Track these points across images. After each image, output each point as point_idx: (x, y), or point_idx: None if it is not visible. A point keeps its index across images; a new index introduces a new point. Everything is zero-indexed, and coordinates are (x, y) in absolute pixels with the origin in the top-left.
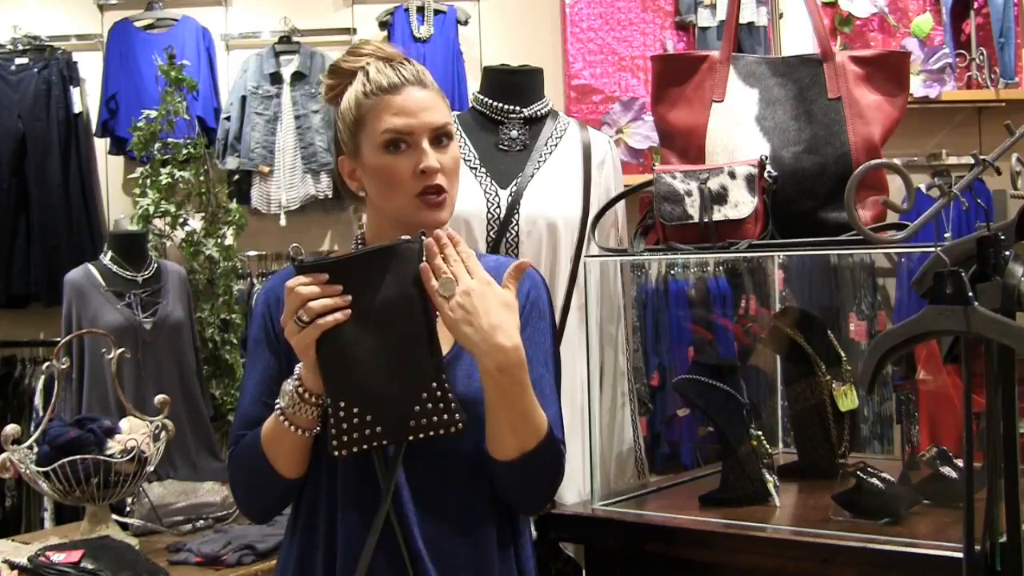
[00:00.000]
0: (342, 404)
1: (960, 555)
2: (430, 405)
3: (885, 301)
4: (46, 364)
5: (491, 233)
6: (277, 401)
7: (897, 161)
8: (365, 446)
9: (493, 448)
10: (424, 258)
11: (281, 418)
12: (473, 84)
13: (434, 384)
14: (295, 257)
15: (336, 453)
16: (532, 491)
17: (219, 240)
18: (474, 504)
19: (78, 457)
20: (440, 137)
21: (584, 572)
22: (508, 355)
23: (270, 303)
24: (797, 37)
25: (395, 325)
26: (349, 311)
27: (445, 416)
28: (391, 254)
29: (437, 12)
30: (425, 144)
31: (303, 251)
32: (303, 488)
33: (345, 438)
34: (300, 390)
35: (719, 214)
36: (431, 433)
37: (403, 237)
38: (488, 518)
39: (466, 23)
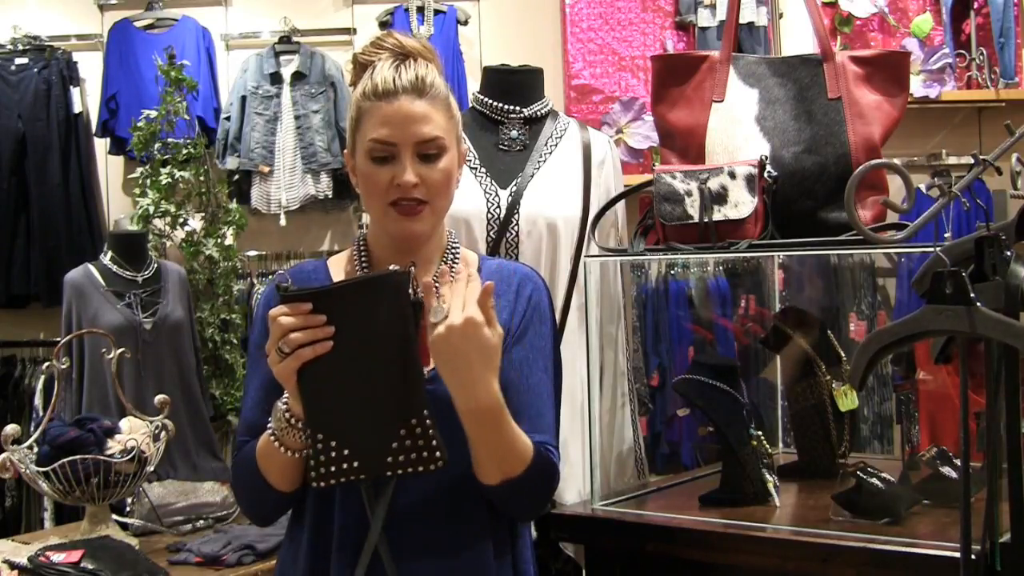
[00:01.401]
0: (320, 436)
1: (959, 555)
2: (409, 442)
3: (885, 301)
4: (46, 364)
5: (491, 233)
6: (269, 420)
7: (897, 161)
8: (343, 479)
9: (478, 473)
10: (413, 288)
11: (272, 438)
12: (473, 84)
13: (414, 420)
14: (280, 285)
15: (315, 484)
16: (522, 506)
17: (219, 240)
18: (468, 509)
19: (78, 457)
20: (428, 149)
21: (584, 572)
22: (480, 404)
23: (269, 308)
24: (797, 37)
25: (377, 358)
26: (330, 344)
27: (425, 454)
28: (377, 285)
29: (437, 12)
30: (407, 158)
31: (288, 278)
32: (303, 493)
33: (323, 470)
34: (287, 415)
35: (719, 214)
36: (409, 470)
37: (391, 267)
38: (483, 521)
39: (466, 23)
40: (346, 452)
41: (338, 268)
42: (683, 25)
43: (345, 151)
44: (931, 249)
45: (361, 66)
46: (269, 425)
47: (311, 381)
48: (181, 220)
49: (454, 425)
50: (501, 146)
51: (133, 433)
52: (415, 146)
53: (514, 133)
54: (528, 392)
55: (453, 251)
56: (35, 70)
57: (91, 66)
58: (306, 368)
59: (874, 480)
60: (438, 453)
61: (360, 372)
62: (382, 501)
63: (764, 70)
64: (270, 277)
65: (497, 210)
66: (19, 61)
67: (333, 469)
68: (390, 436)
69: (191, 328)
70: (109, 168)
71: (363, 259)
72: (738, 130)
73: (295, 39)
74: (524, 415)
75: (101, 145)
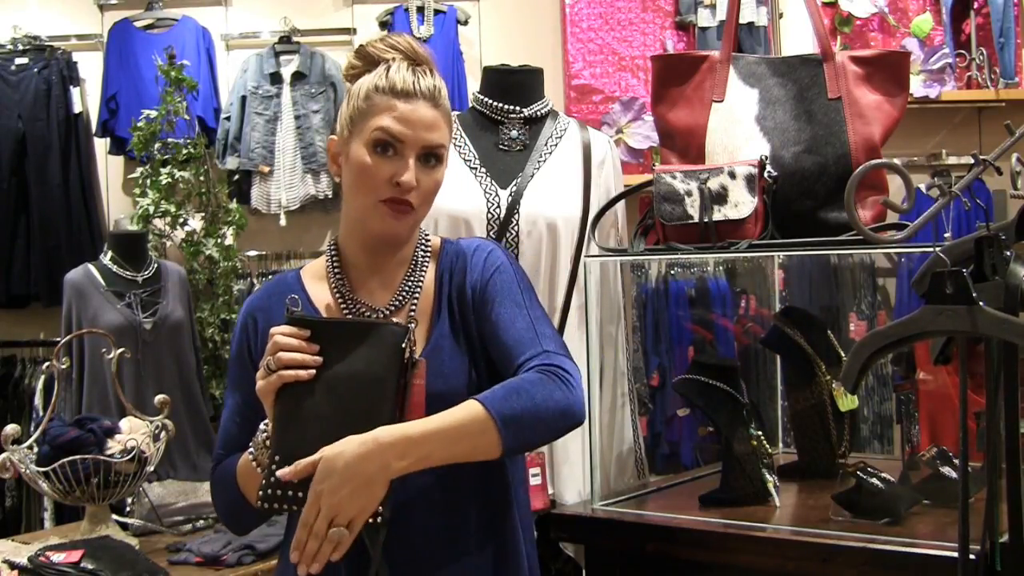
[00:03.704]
0: (277, 458)
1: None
2: None
3: (885, 301)
4: (46, 364)
5: (491, 233)
6: (252, 440)
7: (897, 161)
8: (284, 506)
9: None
10: (408, 345)
11: (250, 457)
12: (473, 84)
13: None
14: (289, 308)
15: (258, 504)
16: (541, 428)
17: (219, 240)
18: (465, 505)
19: (78, 457)
20: (429, 156)
21: (584, 572)
22: (385, 455)
23: (247, 320)
24: (797, 37)
25: (353, 400)
26: (313, 372)
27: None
28: (374, 332)
29: (437, 12)
30: (411, 158)
31: (299, 302)
32: None
33: (270, 492)
34: (263, 435)
35: (719, 214)
36: None
37: (394, 320)
38: (479, 526)
39: (466, 23)
40: (294, 480)
41: (313, 278)
42: (683, 25)
43: (332, 137)
44: (931, 249)
45: (370, 60)
46: (251, 446)
47: (286, 404)
48: (181, 220)
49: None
50: (501, 146)
51: (133, 433)
52: (421, 148)
53: (514, 133)
54: (508, 333)
55: (424, 244)
56: (35, 70)
57: (91, 66)
58: (286, 390)
59: (874, 480)
60: (380, 508)
61: (333, 409)
62: (378, 546)
63: (764, 70)
64: (269, 277)
65: (497, 210)
66: (19, 61)
67: (279, 493)
68: None
69: (191, 328)
70: (109, 168)
71: (335, 264)
72: (738, 130)
73: (295, 39)
74: (517, 348)
75: (101, 145)
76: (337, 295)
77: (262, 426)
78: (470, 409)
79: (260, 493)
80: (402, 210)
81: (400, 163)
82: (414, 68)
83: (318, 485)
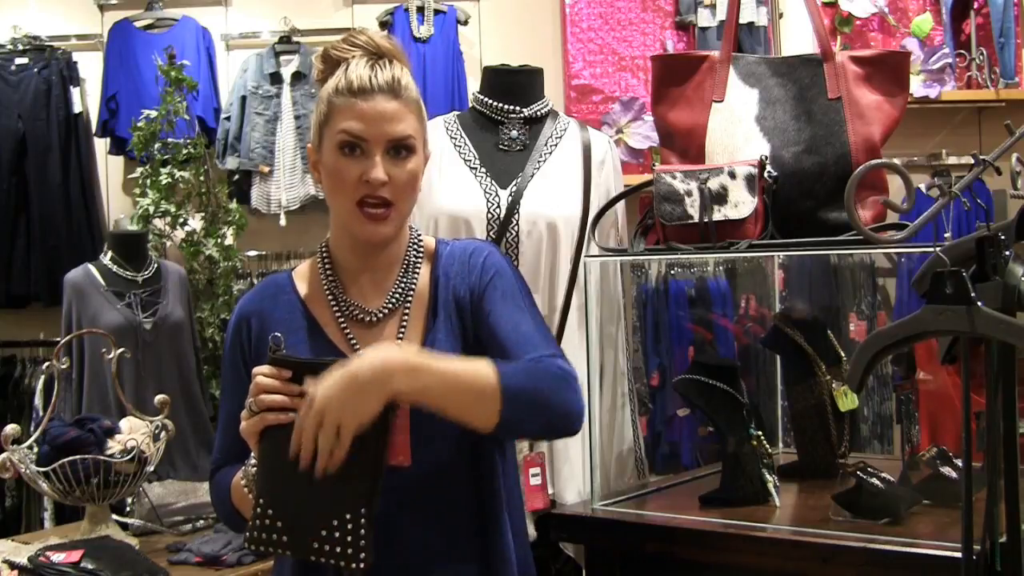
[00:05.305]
0: (261, 501)
1: (960, 555)
2: (338, 534)
3: (885, 301)
4: (46, 364)
5: (491, 233)
6: (244, 466)
7: (897, 161)
8: (271, 549)
9: (476, 428)
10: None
11: (243, 483)
12: (473, 84)
13: (349, 515)
14: (271, 347)
15: (247, 546)
16: (542, 418)
17: (219, 240)
18: (452, 528)
19: (78, 457)
20: (399, 149)
21: (584, 572)
22: (389, 365)
23: (240, 325)
24: (797, 37)
25: None
26: (293, 414)
27: (349, 551)
28: None
29: (437, 12)
30: (377, 155)
31: (283, 341)
32: None
33: (256, 534)
34: (252, 470)
35: (719, 214)
36: (331, 561)
37: None
38: (468, 535)
39: (466, 23)
40: (279, 524)
41: (304, 280)
42: (683, 25)
43: (309, 145)
44: (931, 249)
45: (332, 62)
46: (242, 471)
47: (270, 445)
48: (181, 220)
49: (435, 423)
50: (501, 146)
51: (133, 433)
52: (386, 144)
53: (514, 133)
54: (514, 333)
55: (416, 245)
56: (35, 70)
57: (91, 66)
58: (269, 432)
59: (874, 480)
60: (362, 555)
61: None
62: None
63: (764, 70)
64: (261, 280)
65: (497, 210)
66: (19, 61)
67: (264, 536)
68: (323, 522)
69: (191, 328)
70: (109, 168)
71: (327, 267)
72: (738, 130)
73: (295, 39)
74: (520, 350)
75: (101, 145)
76: (329, 296)
77: (251, 460)
78: (483, 367)
79: (247, 535)
80: (380, 214)
81: (367, 162)
82: (374, 63)
83: (321, 388)
